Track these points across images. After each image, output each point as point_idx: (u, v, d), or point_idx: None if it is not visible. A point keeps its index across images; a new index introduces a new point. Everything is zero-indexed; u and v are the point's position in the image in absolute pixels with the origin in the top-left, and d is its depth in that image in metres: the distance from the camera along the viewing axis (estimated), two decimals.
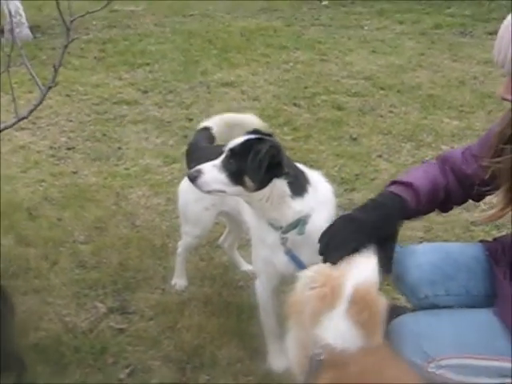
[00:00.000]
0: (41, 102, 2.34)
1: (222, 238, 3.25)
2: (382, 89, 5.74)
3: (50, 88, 2.29)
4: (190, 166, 2.72)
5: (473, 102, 5.40)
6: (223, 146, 2.38)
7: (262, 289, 2.52)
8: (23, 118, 2.41)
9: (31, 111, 2.38)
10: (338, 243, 1.96)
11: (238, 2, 8.74)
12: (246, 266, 3.20)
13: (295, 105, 5.37)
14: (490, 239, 2.35)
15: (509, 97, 1.86)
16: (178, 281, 3.12)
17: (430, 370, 1.97)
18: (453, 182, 2.23)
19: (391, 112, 5.25)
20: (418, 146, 4.65)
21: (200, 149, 2.85)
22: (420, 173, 2.26)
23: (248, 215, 2.47)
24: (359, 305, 1.74)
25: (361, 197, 3.89)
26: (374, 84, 5.85)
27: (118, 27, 7.36)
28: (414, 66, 6.31)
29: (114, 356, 2.66)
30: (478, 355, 1.97)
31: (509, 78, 1.85)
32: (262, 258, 2.43)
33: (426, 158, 4.43)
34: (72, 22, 2.24)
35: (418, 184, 2.17)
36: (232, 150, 2.21)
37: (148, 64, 6.30)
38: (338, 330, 1.74)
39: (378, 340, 1.77)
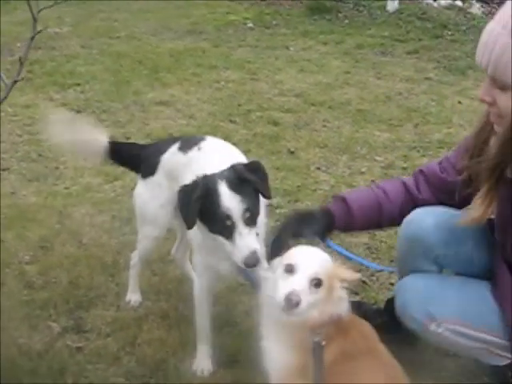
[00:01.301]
0: (7, 96, 2.26)
1: (174, 248, 3.22)
2: (313, 105, 5.88)
3: (15, 82, 2.22)
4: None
5: (400, 116, 5.63)
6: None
7: (200, 290, 2.57)
8: None
9: None
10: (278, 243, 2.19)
11: (163, 24, 8.74)
12: None
13: (231, 121, 5.42)
14: None
15: (487, 98, 1.99)
16: (133, 296, 3.07)
17: (430, 328, 2.21)
18: (426, 194, 2.41)
19: (325, 126, 5.39)
20: (353, 158, 4.80)
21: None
22: (362, 190, 2.57)
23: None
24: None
25: (305, 207, 3.98)
26: (305, 101, 5.99)
27: (43, 48, 7.15)
28: (342, 84, 6.51)
29: (73, 375, 2.59)
30: (476, 327, 2.21)
31: (488, 81, 1.98)
32: (208, 265, 2.49)
33: (363, 169, 4.59)
34: (39, 12, 2.18)
35: (352, 199, 2.40)
36: None
37: (79, 84, 6.18)
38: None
39: None
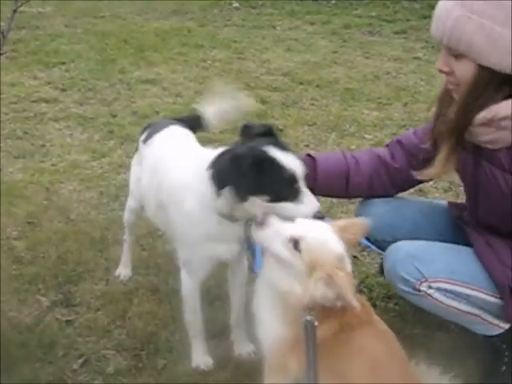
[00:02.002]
0: None
1: None
2: (301, 84, 5.86)
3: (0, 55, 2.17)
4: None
5: (389, 95, 5.62)
6: None
7: (191, 283, 2.43)
8: None
9: None
10: None
11: (148, 4, 8.65)
12: None
13: None
14: None
15: (445, 68, 2.12)
16: (123, 270, 3.04)
17: (421, 288, 2.23)
18: (401, 162, 2.52)
19: (313, 105, 5.37)
20: (342, 136, 4.78)
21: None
22: (334, 155, 2.63)
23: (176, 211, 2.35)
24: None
25: None
26: (292, 79, 5.97)
27: (26, 28, 7.08)
28: (329, 63, 6.49)
29: (64, 348, 2.57)
30: (465, 284, 2.23)
31: (445, 52, 2.10)
32: (208, 254, 2.34)
33: (352, 147, 4.57)
34: None
35: (320, 160, 2.51)
36: None
37: (63, 63, 6.12)
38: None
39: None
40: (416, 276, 2.22)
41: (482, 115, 2.07)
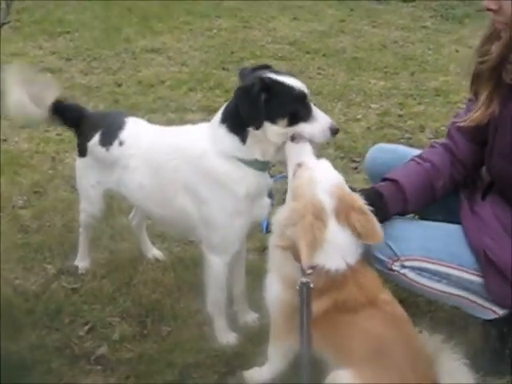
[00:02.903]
0: None
1: (130, 215, 3.01)
2: (307, 53, 5.82)
3: (3, 24, 2.17)
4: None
5: (396, 64, 5.57)
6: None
7: (221, 265, 2.38)
8: None
9: None
10: None
11: None
12: (152, 252, 2.98)
13: (224, 69, 5.36)
14: None
15: (493, 6, 1.99)
16: (81, 263, 2.89)
17: (394, 267, 2.12)
18: (463, 145, 2.31)
19: (319, 74, 5.33)
20: (348, 105, 4.76)
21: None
22: (410, 168, 2.32)
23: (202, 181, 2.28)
24: (346, 211, 1.86)
25: None
26: (299, 48, 5.93)
27: None
28: (337, 32, 6.43)
29: (70, 315, 2.59)
30: (442, 262, 2.12)
31: None
32: (244, 219, 2.29)
33: (358, 117, 4.54)
34: None
35: (403, 181, 2.25)
36: None
37: (68, 32, 6.11)
38: (341, 247, 1.86)
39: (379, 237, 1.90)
40: (389, 255, 2.11)
41: None
